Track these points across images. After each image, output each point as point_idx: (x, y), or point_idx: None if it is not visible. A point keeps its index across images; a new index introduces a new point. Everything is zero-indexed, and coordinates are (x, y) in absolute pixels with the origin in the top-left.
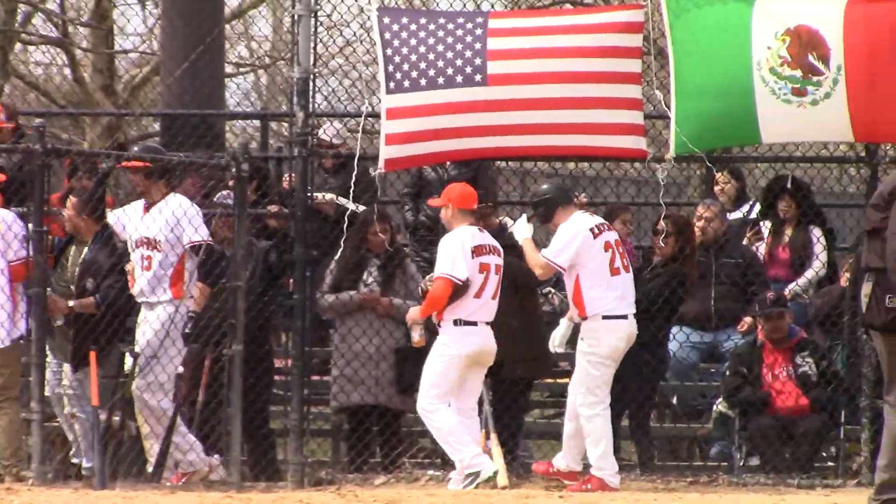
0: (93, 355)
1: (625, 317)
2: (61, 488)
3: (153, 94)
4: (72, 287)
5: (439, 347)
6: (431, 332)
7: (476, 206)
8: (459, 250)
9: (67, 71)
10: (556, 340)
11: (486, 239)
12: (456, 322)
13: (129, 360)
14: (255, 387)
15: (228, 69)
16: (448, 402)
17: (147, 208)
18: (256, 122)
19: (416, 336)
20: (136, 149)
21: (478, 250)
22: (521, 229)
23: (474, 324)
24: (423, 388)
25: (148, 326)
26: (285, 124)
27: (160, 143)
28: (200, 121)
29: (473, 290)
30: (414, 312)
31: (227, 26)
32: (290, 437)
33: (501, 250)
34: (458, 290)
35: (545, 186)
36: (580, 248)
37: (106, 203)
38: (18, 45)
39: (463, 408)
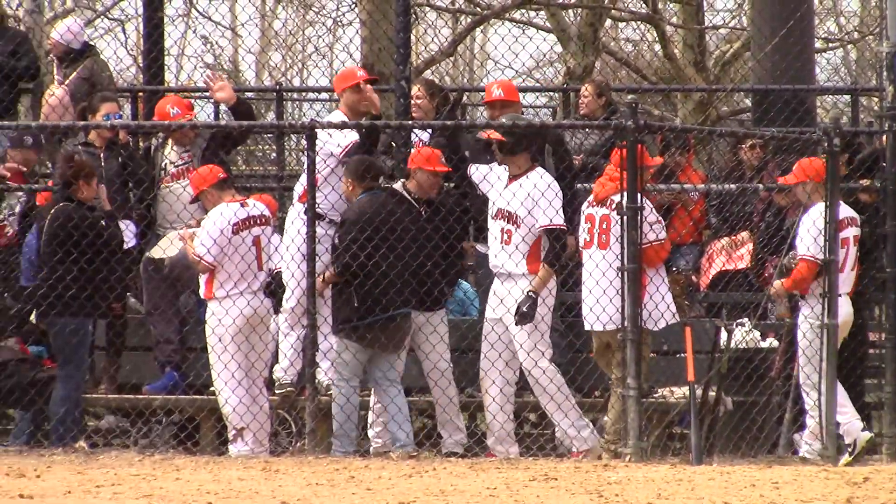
0: (688, 330)
1: None
2: (658, 464)
3: (744, 70)
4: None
5: (808, 319)
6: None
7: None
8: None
9: (657, 47)
10: None
11: (848, 211)
12: (822, 295)
13: (723, 335)
14: (849, 360)
15: (817, 44)
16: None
17: (510, 179)
18: (846, 97)
19: (782, 308)
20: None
21: (840, 225)
22: None
23: (839, 295)
24: (802, 361)
25: (500, 301)
26: (875, 99)
27: (752, 119)
28: (791, 96)
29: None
30: (778, 286)
31: (816, 1)
32: (885, 409)
33: (858, 220)
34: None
35: None
36: None
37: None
38: (608, 22)
39: None
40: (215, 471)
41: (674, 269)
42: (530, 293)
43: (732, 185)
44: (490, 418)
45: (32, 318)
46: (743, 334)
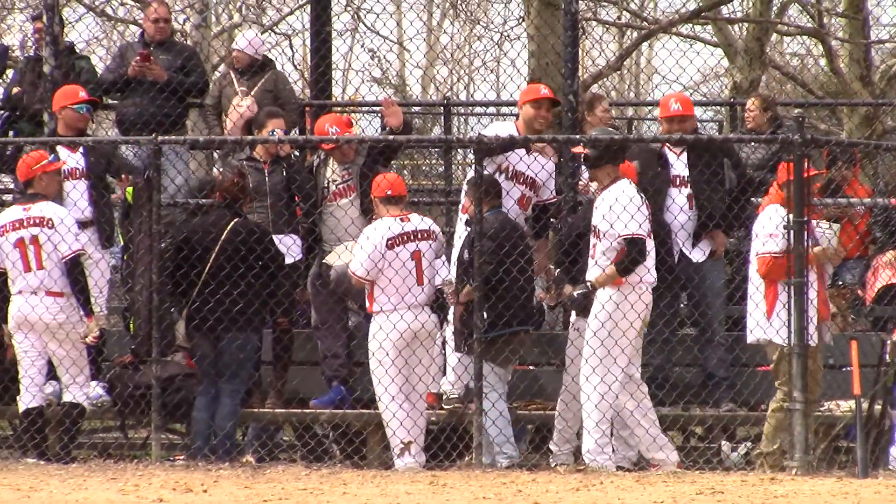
0: (854, 344)
1: None
2: (825, 477)
3: None
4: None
5: None
6: None
7: None
8: None
9: (823, 61)
10: None
11: None
12: None
13: (889, 348)
14: None
15: None
16: None
17: (596, 194)
18: None
19: None
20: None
21: None
22: None
23: None
24: None
25: (594, 314)
26: None
27: None
28: None
29: None
30: None
31: None
32: None
33: None
34: None
35: None
36: None
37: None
38: (775, 36)
39: None
40: (382, 485)
41: (839, 283)
42: (587, 283)
43: None
44: (643, 432)
45: (179, 333)
46: None
